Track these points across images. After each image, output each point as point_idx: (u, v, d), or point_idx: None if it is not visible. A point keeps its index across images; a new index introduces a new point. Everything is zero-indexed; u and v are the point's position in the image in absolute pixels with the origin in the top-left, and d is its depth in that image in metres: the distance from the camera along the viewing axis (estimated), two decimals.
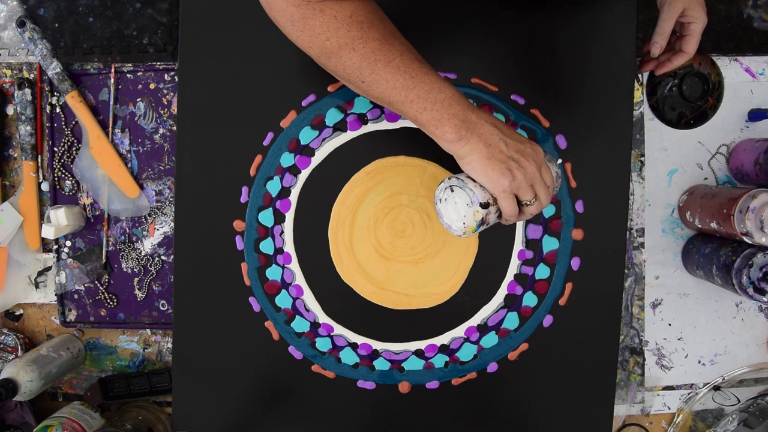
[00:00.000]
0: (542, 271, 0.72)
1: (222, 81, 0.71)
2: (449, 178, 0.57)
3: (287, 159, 0.72)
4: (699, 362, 0.86)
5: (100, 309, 0.86)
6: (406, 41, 0.56)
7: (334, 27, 0.52)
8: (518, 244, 0.72)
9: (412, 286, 0.72)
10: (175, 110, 0.81)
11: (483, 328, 0.73)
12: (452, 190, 0.57)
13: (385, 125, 0.71)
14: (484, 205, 0.55)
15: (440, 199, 0.58)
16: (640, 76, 0.83)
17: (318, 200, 0.72)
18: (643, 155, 0.84)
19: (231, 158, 0.72)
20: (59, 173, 0.84)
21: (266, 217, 0.72)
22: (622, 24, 0.70)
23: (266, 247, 0.72)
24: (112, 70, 0.83)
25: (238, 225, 0.72)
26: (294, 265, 0.73)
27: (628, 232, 0.81)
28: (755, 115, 0.83)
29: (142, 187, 0.84)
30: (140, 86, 0.83)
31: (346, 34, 0.53)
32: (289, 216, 0.72)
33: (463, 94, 0.55)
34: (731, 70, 0.84)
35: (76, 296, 0.85)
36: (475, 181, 0.56)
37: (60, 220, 0.80)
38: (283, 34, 0.56)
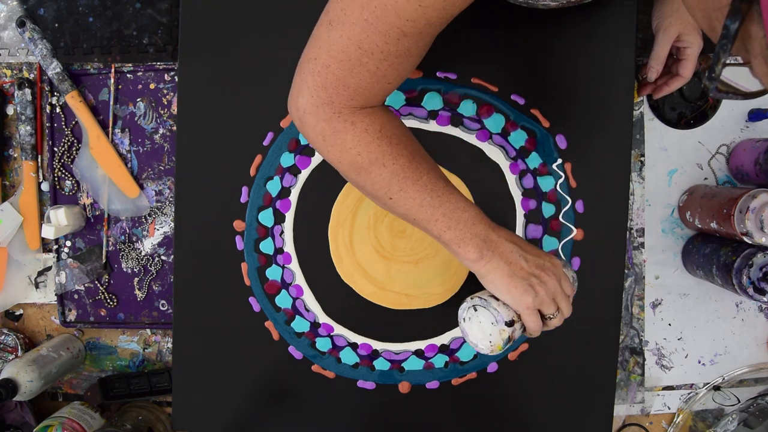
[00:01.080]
0: None
1: (222, 81, 0.71)
2: (471, 298, 0.57)
3: (287, 159, 0.72)
4: (699, 362, 0.86)
5: (100, 309, 0.86)
6: (430, 158, 0.57)
7: (365, 141, 0.53)
8: None
9: (412, 286, 0.72)
10: (175, 110, 0.81)
11: None
12: (476, 310, 0.57)
13: None
14: (510, 323, 0.56)
15: (464, 318, 0.58)
16: (640, 76, 0.83)
17: (318, 200, 0.72)
18: (643, 155, 0.84)
19: (231, 158, 0.72)
20: (59, 173, 0.84)
21: (266, 217, 0.72)
22: (622, 24, 0.70)
23: (266, 247, 0.72)
24: (112, 70, 0.83)
25: (238, 225, 0.72)
26: (294, 265, 0.73)
27: (628, 232, 0.81)
28: (755, 115, 0.83)
29: (142, 187, 0.84)
30: (140, 86, 0.83)
31: (377, 149, 0.53)
32: (289, 216, 0.72)
33: (483, 214, 0.56)
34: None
35: (76, 296, 0.85)
36: (497, 299, 0.56)
37: (60, 220, 0.80)
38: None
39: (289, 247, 0.72)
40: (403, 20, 0.46)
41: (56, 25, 0.82)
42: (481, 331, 0.56)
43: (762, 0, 0.31)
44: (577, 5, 0.67)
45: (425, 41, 0.50)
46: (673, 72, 0.71)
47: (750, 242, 0.72)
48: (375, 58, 0.48)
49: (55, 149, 0.84)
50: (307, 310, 0.73)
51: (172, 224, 0.84)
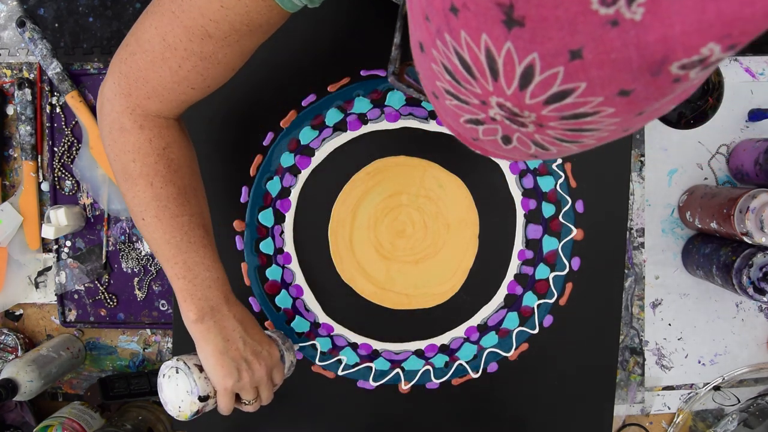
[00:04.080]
0: (542, 271, 0.72)
1: None
2: (177, 359, 0.57)
3: (287, 159, 0.72)
4: (699, 362, 0.86)
5: (100, 309, 0.86)
6: (204, 204, 0.56)
7: (144, 152, 0.51)
8: (518, 244, 0.72)
9: (412, 286, 0.72)
10: None
11: (483, 328, 0.73)
12: (177, 372, 0.56)
13: (385, 125, 0.71)
14: (204, 398, 0.56)
15: (164, 375, 0.57)
16: None
17: (318, 200, 0.72)
18: (643, 155, 0.84)
19: (231, 158, 0.72)
20: (59, 173, 0.84)
21: (266, 217, 0.72)
22: None
23: (266, 247, 0.72)
24: None
25: (238, 225, 0.72)
26: (294, 265, 0.73)
27: (628, 232, 0.81)
28: (755, 115, 0.83)
29: None
30: None
31: (152, 165, 0.52)
32: (289, 216, 0.72)
33: (227, 281, 0.55)
34: (731, 70, 0.84)
35: (76, 296, 0.85)
36: (201, 369, 0.56)
37: (60, 220, 0.80)
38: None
39: (289, 247, 0.72)
40: (206, 19, 0.45)
41: (56, 25, 0.82)
42: (176, 394, 0.56)
43: (408, 17, 0.32)
44: None
45: (234, 50, 0.48)
46: None
47: (750, 242, 0.72)
48: (178, 54, 0.47)
49: (55, 149, 0.84)
50: (307, 310, 0.73)
51: None
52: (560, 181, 0.71)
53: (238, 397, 0.58)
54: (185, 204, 0.53)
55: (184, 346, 0.73)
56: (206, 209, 0.57)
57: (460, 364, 0.73)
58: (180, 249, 0.53)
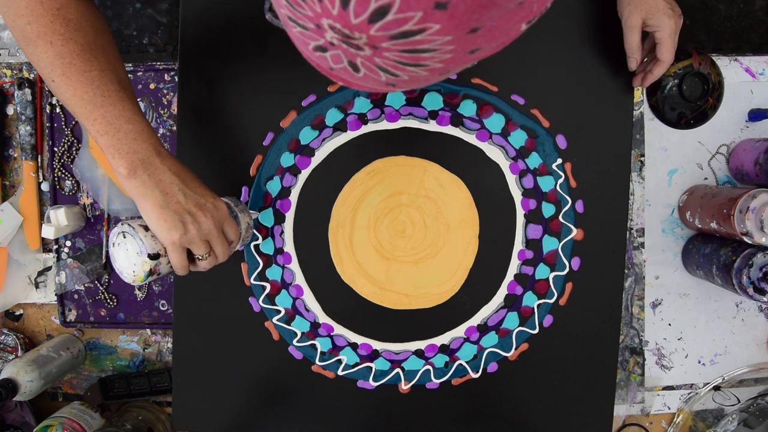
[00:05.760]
0: (542, 271, 0.72)
1: (222, 81, 0.71)
2: (122, 224, 0.55)
3: (287, 159, 0.72)
4: (699, 362, 0.86)
5: (100, 309, 0.86)
6: (119, 63, 0.55)
7: (38, 13, 0.51)
8: (518, 244, 0.72)
9: (412, 286, 0.72)
10: (175, 110, 0.81)
11: (483, 328, 0.73)
12: (125, 237, 0.55)
13: (385, 125, 0.71)
14: (153, 257, 0.54)
15: (113, 243, 0.56)
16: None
17: (318, 200, 0.72)
18: (643, 155, 0.84)
19: (231, 158, 0.72)
20: (59, 173, 0.84)
21: (266, 217, 0.72)
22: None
23: (266, 247, 0.72)
24: None
25: None
26: (294, 265, 0.73)
27: (628, 232, 0.81)
28: (755, 115, 0.83)
29: None
30: (140, 86, 0.83)
31: (48, 24, 0.51)
32: (289, 216, 0.72)
33: (157, 137, 0.54)
34: (731, 70, 0.84)
35: (76, 296, 0.85)
36: (147, 229, 0.55)
37: (60, 220, 0.80)
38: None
39: (289, 247, 0.72)
40: None
41: None
42: (127, 259, 0.55)
43: None
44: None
45: None
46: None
47: (750, 242, 0.72)
48: None
49: (55, 149, 0.84)
50: (307, 310, 0.73)
51: None
52: (560, 181, 0.71)
53: (191, 255, 0.56)
54: (92, 60, 0.52)
55: (184, 346, 0.73)
56: (120, 67, 0.55)
57: (460, 364, 0.73)
58: (95, 104, 0.51)
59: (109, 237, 0.57)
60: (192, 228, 0.53)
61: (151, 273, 0.55)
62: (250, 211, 0.66)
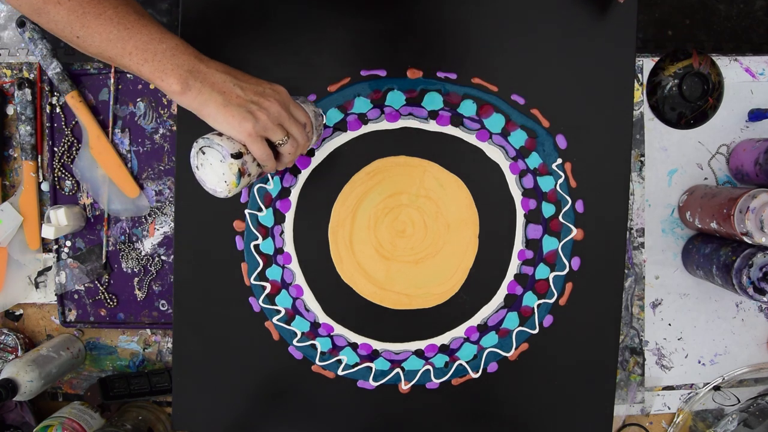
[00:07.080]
0: (542, 271, 0.72)
1: None
2: (196, 142, 0.54)
3: None
4: (699, 362, 0.86)
5: (100, 309, 0.86)
6: None
7: None
8: (518, 244, 0.72)
9: (412, 286, 0.72)
10: (175, 110, 0.81)
11: (483, 328, 0.73)
12: (204, 152, 0.54)
13: (385, 125, 0.71)
14: (237, 155, 0.53)
15: (197, 166, 0.55)
16: (639, 75, 0.83)
17: (318, 200, 0.72)
18: (643, 155, 0.84)
19: None
20: (59, 173, 0.84)
21: (266, 217, 0.72)
22: (622, 24, 0.70)
23: (266, 247, 0.72)
24: (112, 70, 0.83)
25: (238, 225, 0.72)
26: (294, 265, 0.73)
27: (628, 232, 0.81)
28: (755, 115, 0.83)
29: (142, 187, 0.84)
30: (140, 86, 0.83)
31: None
32: (289, 216, 0.72)
33: (189, 45, 0.53)
34: (731, 70, 0.84)
35: (76, 296, 0.85)
36: (222, 135, 0.54)
37: (60, 220, 0.80)
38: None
39: (289, 247, 0.72)
40: None
41: None
42: (214, 172, 0.54)
43: None
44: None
45: None
46: None
47: (750, 242, 0.72)
48: None
49: (55, 149, 0.84)
50: (307, 310, 0.73)
51: (172, 224, 0.84)
52: (560, 181, 0.71)
53: (272, 146, 0.55)
54: (102, 2, 0.51)
55: (184, 346, 0.73)
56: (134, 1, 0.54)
57: (460, 364, 0.73)
58: (123, 39, 0.51)
59: (191, 162, 0.55)
60: (261, 115, 0.53)
61: (241, 174, 0.54)
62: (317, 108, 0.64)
